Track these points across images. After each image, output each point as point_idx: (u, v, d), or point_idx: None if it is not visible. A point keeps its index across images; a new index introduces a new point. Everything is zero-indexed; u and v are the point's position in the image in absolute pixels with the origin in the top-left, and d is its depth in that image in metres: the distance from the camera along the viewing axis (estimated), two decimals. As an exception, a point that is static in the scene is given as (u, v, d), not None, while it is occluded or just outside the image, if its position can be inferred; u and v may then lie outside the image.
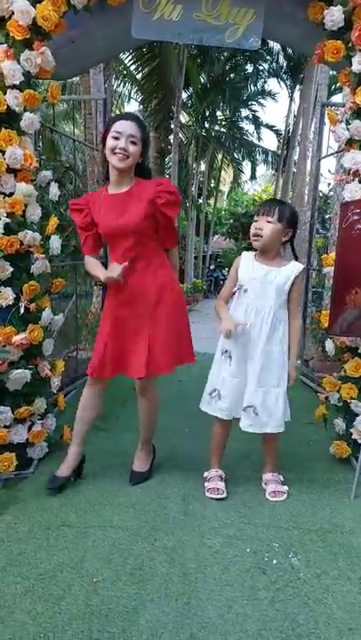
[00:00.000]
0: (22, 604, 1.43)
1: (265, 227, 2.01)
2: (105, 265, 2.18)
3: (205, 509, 1.99)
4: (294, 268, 2.06)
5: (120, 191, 2.02)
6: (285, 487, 2.15)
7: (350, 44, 2.30)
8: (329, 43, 2.32)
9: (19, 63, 2.08)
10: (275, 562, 1.67)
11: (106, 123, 2.10)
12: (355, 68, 2.31)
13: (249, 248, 2.17)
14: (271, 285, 2.03)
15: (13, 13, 2.03)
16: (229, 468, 2.27)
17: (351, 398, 2.40)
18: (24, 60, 2.10)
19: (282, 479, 2.20)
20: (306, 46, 2.73)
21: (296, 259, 2.17)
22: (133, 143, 1.95)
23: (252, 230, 2.05)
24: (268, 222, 2.01)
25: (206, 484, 2.14)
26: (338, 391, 2.50)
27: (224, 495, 2.07)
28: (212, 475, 2.18)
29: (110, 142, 1.94)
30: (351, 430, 2.40)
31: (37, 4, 2.05)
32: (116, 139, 1.93)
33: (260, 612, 1.44)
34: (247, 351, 2.06)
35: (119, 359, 2.05)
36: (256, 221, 2.05)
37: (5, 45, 2.06)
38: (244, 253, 2.17)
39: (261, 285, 2.04)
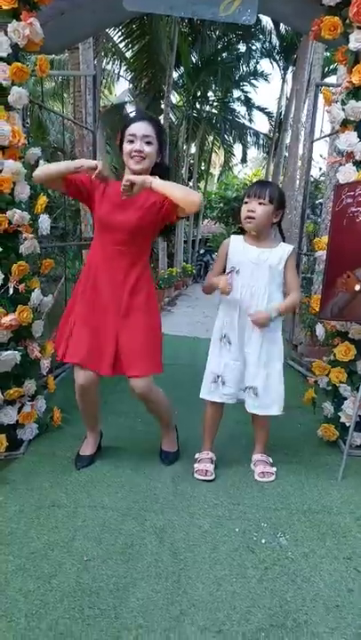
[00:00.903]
0: (14, 582, 1.43)
1: (257, 208, 1.99)
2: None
3: (195, 490, 2.01)
4: (285, 248, 2.06)
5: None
6: (274, 468, 2.18)
7: (348, 21, 2.26)
8: (326, 19, 2.28)
9: (6, 34, 2.01)
10: (263, 541, 1.70)
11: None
12: (352, 45, 2.28)
13: (239, 232, 2.15)
14: (264, 265, 2.02)
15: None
16: (219, 450, 2.29)
17: (340, 382, 2.43)
18: (11, 31, 2.03)
19: (270, 460, 2.23)
20: (301, 22, 2.68)
21: (284, 240, 2.17)
22: (149, 143, 1.92)
23: (245, 213, 2.02)
24: (261, 204, 1.99)
25: (196, 465, 2.16)
26: (327, 375, 2.53)
27: (212, 477, 2.09)
28: (203, 457, 2.20)
29: (126, 147, 1.92)
30: (339, 414, 2.43)
31: (25, -28, 1.97)
32: (132, 142, 1.91)
33: (248, 589, 1.47)
34: (244, 334, 2.06)
35: (92, 350, 1.96)
36: (247, 203, 2.03)
37: (-8, 15, 1.98)
38: (233, 237, 2.14)
39: (254, 266, 2.03)
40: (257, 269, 2.02)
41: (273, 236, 2.13)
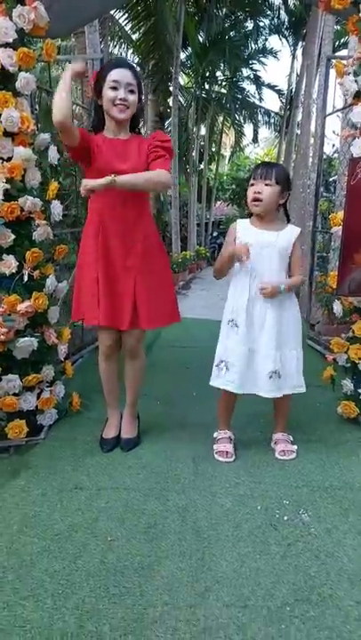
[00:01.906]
0: (39, 563, 1.46)
1: (264, 189, 1.96)
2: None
3: (215, 470, 2.02)
4: (293, 231, 2.04)
5: (119, 137, 1.97)
6: (295, 446, 2.17)
7: (359, -14, 2.16)
8: (337, -15, 2.19)
9: (11, 19, 1.98)
10: (286, 518, 1.70)
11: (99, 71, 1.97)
12: (364, 12, 2.19)
13: (250, 215, 2.11)
14: (273, 249, 1.99)
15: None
16: (238, 430, 2.29)
17: (359, 359, 2.39)
18: (16, 16, 2.00)
19: (291, 439, 2.22)
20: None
21: (289, 221, 2.13)
22: (132, 92, 1.89)
23: (251, 195, 1.99)
24: (267, 185, 1.96)
25: (215, 445, 2.16)
26: (346, 352, 2.49)
27: (232, 459, 2.09)
28: (221, 436, 2.20)
29: (109, 93, 1.87)
30: (360, 390, 2.40)
31: None
32: (115, 89, 1.86)
33: (272, 565, 1.47)
34: (254, 319, 2.03)
35: (110, 308, 1.99)
36: (253, 185, 2.00)
37: (-5, 0, 1.95)
38: (239, 220, 2.12)
39: (263, 250, 2.00)
40: (266, 253, 2.00)
41: (278, 216, 2.09)
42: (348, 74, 2.41)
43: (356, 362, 2.41)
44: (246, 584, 1.39)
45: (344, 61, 2.54)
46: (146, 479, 1.94)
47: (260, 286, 1.98)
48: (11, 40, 2.00)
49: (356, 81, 2.32)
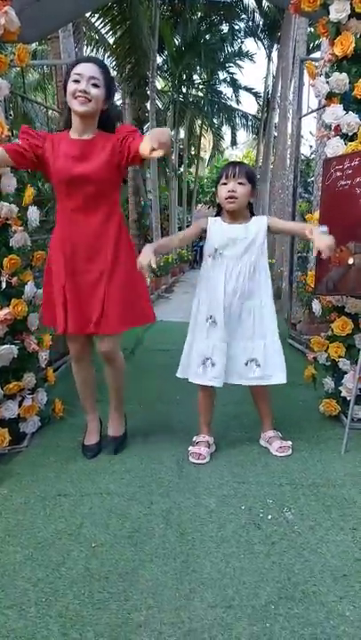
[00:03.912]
0: (23, 572, 1.44)
1: (238, 188, 2.01)
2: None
3: (199, 472, 2.02)
4: (260, 219, 2.11)
5: (82, 138, 1.90)
6: (289, 442, 2.20)
7: (327, -9, 2.21)
8: (306, -10, 2.23)
9: (-20, 24, 1.97)
10: (269, 517, 1.71)
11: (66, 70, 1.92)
12: (332, 16, 2.23)
13: (218, 213, 2.16)
14: (245, 242, 2.04)
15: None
16: (221, 431, 2.30)
17: (339, 357, 2.43)
18: (-14, 20, 1.98)
19: (281, 435, 2.24)
20: (281, -4, 2.62)
21: (252, 215, 2.16)
22: (95, 86, 1.81)
23: (225, 194, 2.02)
24: (240, 184, 2.01)
25: (191, 447, 2.17)
26: (326, 351, 2.53)
27: (205, 461, 2.10)
28: (199, 439, 2.20)
29: (71, 86, 1.81)
30: (340, 388, 2.43)
31: None
32: (77, 82, 1.80)
33: (256, 564, 1.48)
34: (232, 312, 2.06)
35: (78, 315, 1.96)
36: (225, 184, 2.03)
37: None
38: (210, 218, 2.15)
39: (236, 244, 2.04)
40: (239, 247, 2.04)
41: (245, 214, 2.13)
42: (320, 75, 2.45)
43: (336, 360, 2.45)
44: (231, 584, 1.40)
45: (316, 63, 2.58)
46: (130, 483, 1.93)
47: (319, 242, 1.89)
48: (-18, 45, 1.99)
49: (327, 82, 2.36)
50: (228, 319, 2.06)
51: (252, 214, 2.16)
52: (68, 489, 1.90)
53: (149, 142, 1.61)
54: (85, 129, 1.89)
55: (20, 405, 2.26)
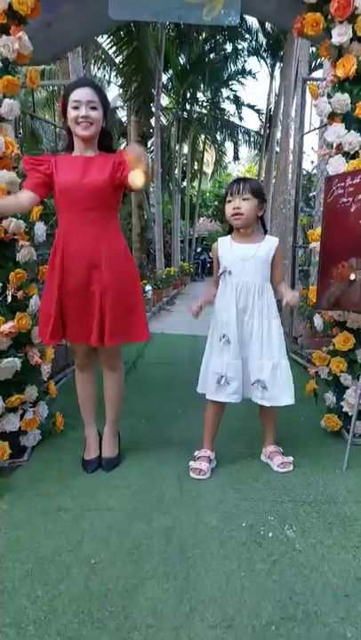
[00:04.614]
0: (22, 589, 1.43)
1: (242, 204, 2.03)
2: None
3: (200, 488, 2.01)
4: (271, 241, 2.11)
5: (84, 155, 1.98)
6: (290, 458, 2.19)
7: (329, 16, 2.26)
8: (308, 15, 2.29)
9: (-4, 49, 2.02)
10: (271, 534, 1.70)
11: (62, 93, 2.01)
12: (334, 40, 2.28)
13: (229, 231, 2.17)
14: (254, 261, 2.05)
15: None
16: (223, 446, 2.29)
17: (341, 372, 2.43)
18: (1, 45, 2.06)
19: (282, 450, 2.24)
20: (285, 20, 2.69)
21: (266, 232, 2.21)
22: (94, 108, 1.91)
23: (231, 211, 2.05)
24: (245, 200, 2.02)
25: (191, 463, 2.16)
26: (327, 365, 2.53)
27: (205, 476, 2.09)
28: (201, 454, 2.20)
29: (72, 113, 1.90)
30: (342, 403, 2.43)
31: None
32: (76, 108, 1.90)
33: (257, 583, 1.46)
34: (244, 330, 2.08)
35: (77, 326, 1.99)
36: (230, 202, 2.05)
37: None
38: (220, 239, 2.19)
39: (244, 263, 2.06)
40: (248, 266, 2.06)
41: (256, 229, 2.16)
42: (322, 95, 2.50)
43: (338, 375, 2.45)
44: (231, 603, 1.38)
45: (318, 83, 2.64)
46: (130, 499, 1.92)
47: (291, 301, 2.00)
48: (-4, 69, 2.05)
49: (329, 102, 2.41)
50: (241, 337, 2.08)
51: (265, 230, 2.19)
52: (69, 504, 1.89)
53: (132, 174, 1.75)
54: (88, 148, 1.98)
55: (21, 418, 2.27)
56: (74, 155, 1.99)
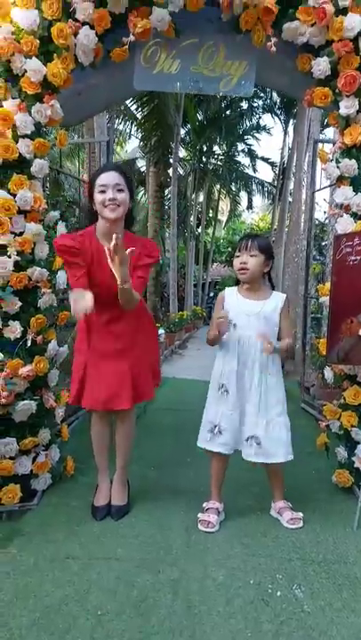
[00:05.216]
0: (28, 638, 1.43)
1: (249, 260, 2.10)
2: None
3: (208, 540, 2.00)
4: (279, 298, 2.17)
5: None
6: (300, 514, 2.17)
7: (337, 90, 2.45)
8: (317, 89, 2.47)
9: (30, 115, 2.23)
10: (278, 593, 1.68)
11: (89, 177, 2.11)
12: (342, 111, 2.46)
13: (237, 282, 2.25)
14: (260, 317, 2.11)
15: (26, 72, 2.18)
16: (231, 499, 2.29)
17: (352, 426, 2.43)
18: (35, 111, 2.24)
19: (291, 506, 2.22)
20: (296, 91, 2.90)
21: (273, 287, 2.27)
22: (120, 191, 1.99)
23: (238, 265, 2.13)
24: (252, 256, 2.11)
25: (200, 514, 2.15)
26: (338, 419, 2.54)
27: (214, 529, 2.08)
28: (209, 506, 2.19)
29: (99, 197, 1.97)
30: (353, 459, 2.42)
31: (48, 63, 2.20)
32: (103, 192, 1.97)
33: (264, 644, 1.44)
34: (244, 383, 2.12)
35: (103, 392, 2.10)
36: (238, 257, 2.14)
37: (18, 100, 2.20)
38: (227, 289, 2.26)
39: (250, 318, 2.11)
40: (253, 321, 2.11)
41: (263, 284, 2.23)
42: (331, 160, 2.66)
43: (349, 429, 2.45)
44: (238, 664, 1.36)
45: (327, 149, 2.81)
46: (138, 549, 1.92)
47: (261, 341, 2.04)
48: (29, 132, 2.24)
49: (338, 167, 2.56)
50: (240, 390, 2.11)
51: (273, 286, 2.27)
52: (77, 552, 1.89)
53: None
54: (114, 232, 2.00)
55: (33, 461, 2.30)
56: (100, 242, 2.03)
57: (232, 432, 2.10)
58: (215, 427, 2.12)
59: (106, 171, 2.02)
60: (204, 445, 2.16)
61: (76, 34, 2.22)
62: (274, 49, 2.34)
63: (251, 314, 2.12)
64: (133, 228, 2.26)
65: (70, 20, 2.20)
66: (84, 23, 2.23)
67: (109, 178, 1.98)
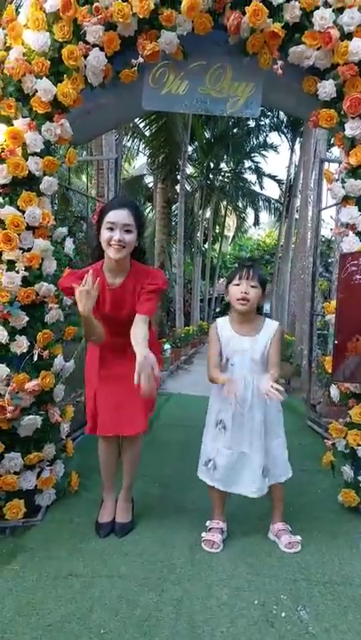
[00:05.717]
0: (30, 657, 1.42)
1: (250, 291, 2.03)
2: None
3: (212, 559, 1.98)
4: (272, 327, 2.11)
5: (117, 282, 2.04)
6: (298, 537, 2.13)
7: (343, 112, 2.49)
8: (323, 111, 2.52)
9: (40, 133, 2.28)
10: (283, 615, 1.65)
11: (99, 211, 2.06)
12: (348, 132, 2.50)
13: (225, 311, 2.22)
14: (255, 353, 2.06)
15: (37, 91, 2.25)
16: (235, 518, 2.26)
17: (358, 445, 2.41)
18: (45, 130, 2.30)
19: (290, 529, 2.19)
20: (302, 112, 2.95)
21: (263, 314, 2.20)
22: (128, 232, 1.93)
23: (239, 294, 2.04)
24: (253, 287, 2.04)
25: (204, 534, 2.13)
26: (344, 437, 2.52)
27: (218, 549, 2.06)
28: (213, 526, 2.17)
29: (105, 234, 1.93)
30: (359, 478, 2.39)
31: (58, 83, 2.27)
32: (111, 229, 1.92)
33: (269, 667, 1.42)
34: (244, 419, 2.06)
35: (114, 418, 2.12)
36: (238, 285, 2.06)
37: (28, 119, 2.26)
38: (218, 321, 2.18)
39: (244, 356, 2.07)
40: (248, 358, 2.06)
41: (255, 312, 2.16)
42: (337, 180, 2.69)
43: (355, 448, 2.43)
44: None
45: (333, 168, 2.84)
46: (141, 567, 1.90)
47: (268, 398, 1.93)
48: (38, 150, 2.30)
49: (343, 187, 2.59)
50: (240, 425, 2.06)
51: (262, 313, 2.20)
52: (80, 569, 1.88)
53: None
54: (119, 269, 2.03)
55: (37, 476, 2.30)
56: (108, 280, 2.03)
57: (227, 470, 2.07)
58: (210, 461, 2.12)
59: (117, 208, 1.95)
60: (202, 477, 2.17)
61: (86, 55, 2.28)
62: (280, 72, 2.39)
63: (246, 352, 2.07)
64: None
65: (81, 42, 2.27)
66: (94, 45, 2.29)
67: (119, 216, 1.92)
